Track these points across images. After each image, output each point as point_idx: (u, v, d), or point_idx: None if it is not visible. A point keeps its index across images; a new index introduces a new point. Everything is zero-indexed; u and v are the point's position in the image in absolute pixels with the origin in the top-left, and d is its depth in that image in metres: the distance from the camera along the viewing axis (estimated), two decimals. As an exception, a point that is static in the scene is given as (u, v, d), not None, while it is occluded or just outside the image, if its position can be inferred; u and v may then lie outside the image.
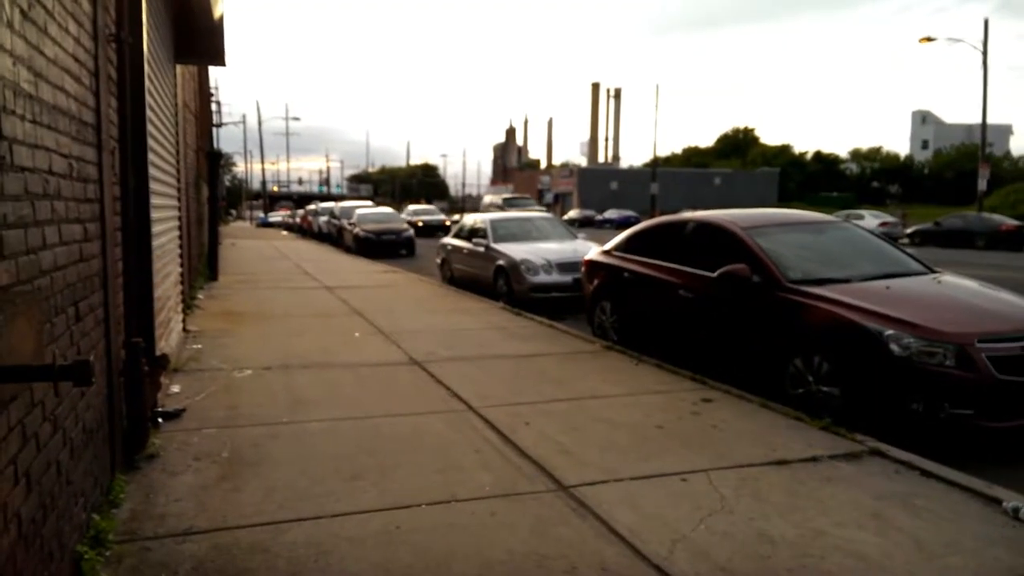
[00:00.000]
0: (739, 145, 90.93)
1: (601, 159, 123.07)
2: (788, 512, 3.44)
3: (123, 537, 3.13)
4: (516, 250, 11.63)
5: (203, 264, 14.13)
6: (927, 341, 4.68)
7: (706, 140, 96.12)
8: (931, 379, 4.63)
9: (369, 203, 34.79)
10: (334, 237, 28.57)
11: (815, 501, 3.57)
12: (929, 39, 31.62)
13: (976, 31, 31.03)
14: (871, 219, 31.94)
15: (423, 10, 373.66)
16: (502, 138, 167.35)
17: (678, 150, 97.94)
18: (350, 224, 24.81)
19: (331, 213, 30.82)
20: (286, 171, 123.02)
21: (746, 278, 5.84)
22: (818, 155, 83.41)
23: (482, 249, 12.37)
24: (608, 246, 8.39)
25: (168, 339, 6.31)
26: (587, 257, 8.74)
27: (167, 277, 6.61)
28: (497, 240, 12.34)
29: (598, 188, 70.94)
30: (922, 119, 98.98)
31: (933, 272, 6.09)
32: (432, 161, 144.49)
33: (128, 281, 4.26)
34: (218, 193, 18.15)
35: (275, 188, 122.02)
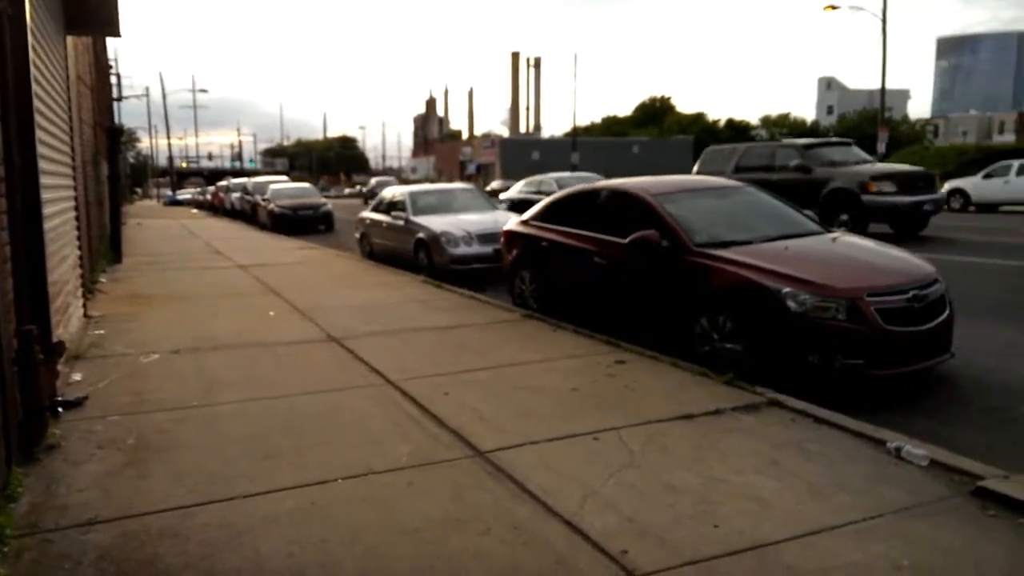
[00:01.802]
0: (656, 114, 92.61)
1: (523, 129, 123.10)
2: (692, 463, 3.62)
3: (22, 531, 3.01)
4: (436, 222, 11.56)
5: (106, 246, 13.43)
6: (821, 297, 4.96)
7: (624, 109, 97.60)
8: (825, 332, 4.92)
9: (284, 178, 33.77)
10: (248, 214, 27.64)
11: (717, 451, 3.77)
12: (832, 7, 32.85)
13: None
14: (779, 183, 33.25)
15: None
16: (422, 109, 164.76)
17: (598, 119, 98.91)
18: (264, 200, 24.05)
19: (244, 189, 29.76)
20: (195, 146, 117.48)
21: (656, 243, 6.01)
22: (730, 122, 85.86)
23: (401, 222, 12.24)
24: (526, 216, 8.46)
25: (67, 325, 6.02)
26: (506, 227, 8.79)
27: (63, 261, 6.27)
28: (416, 213, 12.23)
29: (520, 158, 70.99)
30: (827, 85, 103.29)
31: (829, 232, 6.43)
32: (350, 134, 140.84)
33: (17, 266, 4.04)
34: (120, 170, 17.24)
35: (183, 164, 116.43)
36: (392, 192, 13.73)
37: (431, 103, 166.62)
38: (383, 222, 13.04)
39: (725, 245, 5.80)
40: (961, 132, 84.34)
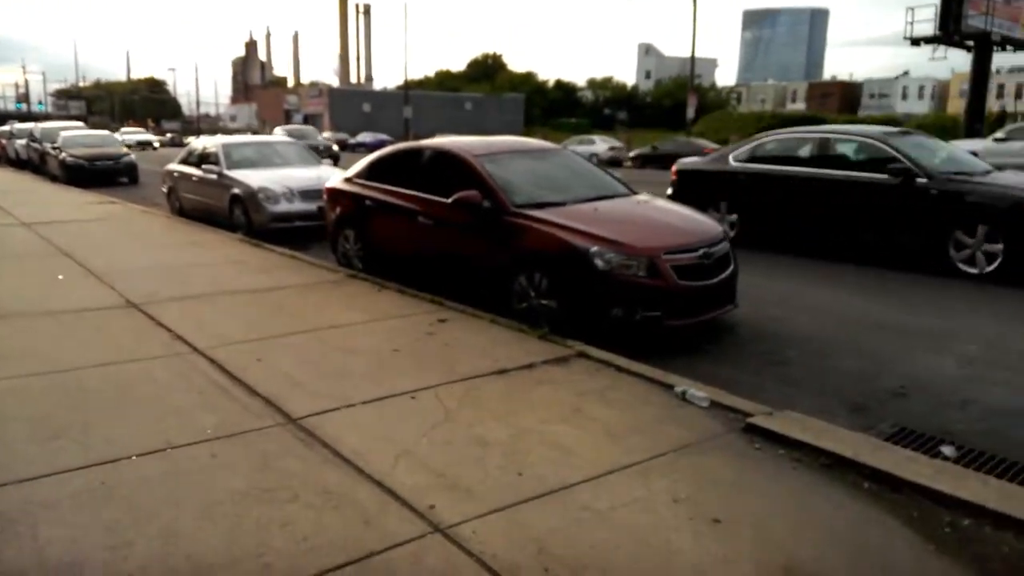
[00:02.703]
0: (488, 71, 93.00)
1: (353, 79, 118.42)
2: (503, 416, 3.80)
3: None
4: (253, 177, 10.92)
5: None
6: (624, 255, 5.33)
7: (458, 64, 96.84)
8: (628, 288, 5.30)
9: (80, 124, 30.13)
10: (36, 164, 24.44)
11: (527, 403, 3.98)
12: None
13: (686, -28, 34.41)
14: (601, 143, 34.94)
15: None
16: (241, 52, 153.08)
17: (431, 73, 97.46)
18: (54, 149, 21.36)
19: (30, 135, 26.20)
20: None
21: (478, 204, 6.11)
22: (559, 83, 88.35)
23: (214, 176, 11.43)
24: (349, 173, 8.23)
25: None
26: (328, 185, 8.50)
27: None
28: (231, 166, 11.47)
29: (350, 110, 68.62)
30: (646, 51, 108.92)
31: (635, 194, 6.87)
32: (159, 76, 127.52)
33: None
34: None
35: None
36: (203, 143, 12.75)
37: (251, 46, 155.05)
38: (194, 176, 12.10)
39: (541, 206, 6.02)
40: (760, 100, 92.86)
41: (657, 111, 77.14)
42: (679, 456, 3.39)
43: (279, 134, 32.84)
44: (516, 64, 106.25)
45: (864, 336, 5.79)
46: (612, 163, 32.80)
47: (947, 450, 3.71)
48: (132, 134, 54.20)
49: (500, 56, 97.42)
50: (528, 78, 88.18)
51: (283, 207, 10.44)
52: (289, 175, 11.10)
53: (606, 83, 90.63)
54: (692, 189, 10.75)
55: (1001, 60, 37.93)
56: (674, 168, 11.53)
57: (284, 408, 3.83)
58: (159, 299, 6.21)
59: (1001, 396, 4.51)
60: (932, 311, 6.58)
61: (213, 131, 76.03)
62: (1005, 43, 29.83)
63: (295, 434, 3.53)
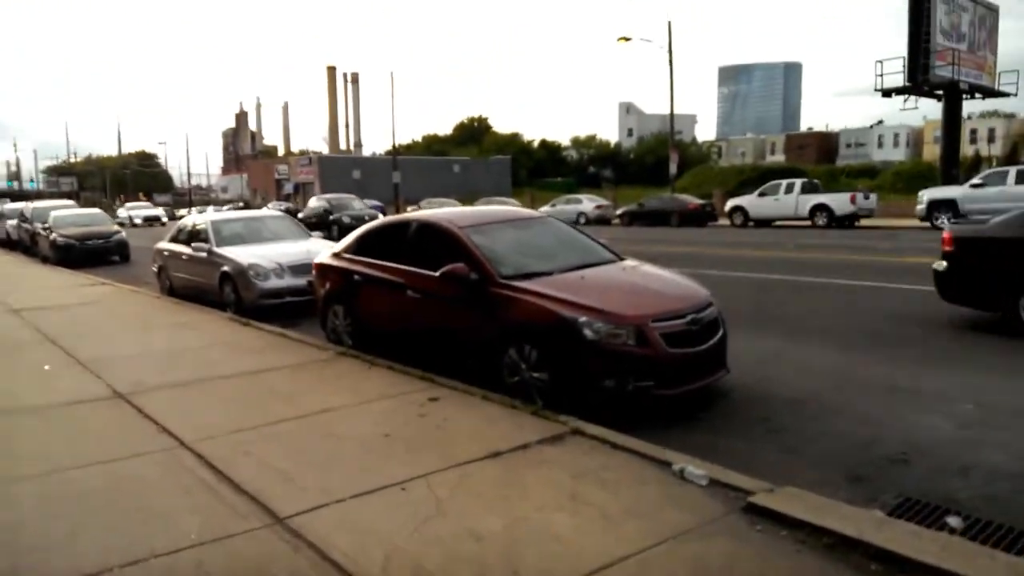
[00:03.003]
0: (475, 133, 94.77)
1: (343, 146, 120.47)
2: (497, 504, 3.71)
3: None
4: (243, 254, 10.94)
5: None
6: (612, 325, 5.31)
7: (445, 128, 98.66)
8: (618, 358, 5.26)
9: (70, 203, 30.35)
10: (27, 244, 24.51)
11: (521, 489, 3.89)
12: (625, 39, 35.58)
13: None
14: (588, 203, 35.39)
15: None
16: (232, 123, 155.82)
17: (419, 137, 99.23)
18: (45, 229, 21.44)
19: (21, 215, 26.35)
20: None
21: (465, 276, 6.11)
22: (543, 143, 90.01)
23: (204, 254, 11.45)
24: (337, 248, 8.26)
25: None
26: (316, 260, 8.52)
27: None
28: (221, 243, 11.50)
29: (340, 177, 69.33)
30: (627, 109, 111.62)
31: (621, 260, 6.89)
32: (150, 149, 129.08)
33: None
34: None
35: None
36: (192, 220, 12.82)
37: (242, 116, 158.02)
38: (183, 254, 12.12)
39: (529, 276, 6.02)
40: (740, 153, 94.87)
41: (641, 167, 78.46)
42: (678, 544, 3.30)
43: (270, 208, 33.02)
44: (501, 126, 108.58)
45: (855, 396, 5.74)
46: (600, 221, 33.20)
47: (953, 521, 3.63)
48: (139, 210, 52.01)
49: (486, 119, 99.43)
50: (513, 139, 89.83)
51: (272, 283, 10.43)
52: (278, 250, 11.14)
53: (590, 141, 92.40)
54: (984, 267, 7.78)
55: (972, 106, 39.04)
56: (947, 234, 8.15)
57: (271, 506, 3.73)
58: (146, 388, 6.12)
59: (1002, 459, 4.45)
60: (917, 366, 6.55)
61: (204, 203, 76.53)
62: (973, 91, 30.79)
63: (282, 536, 3.42)
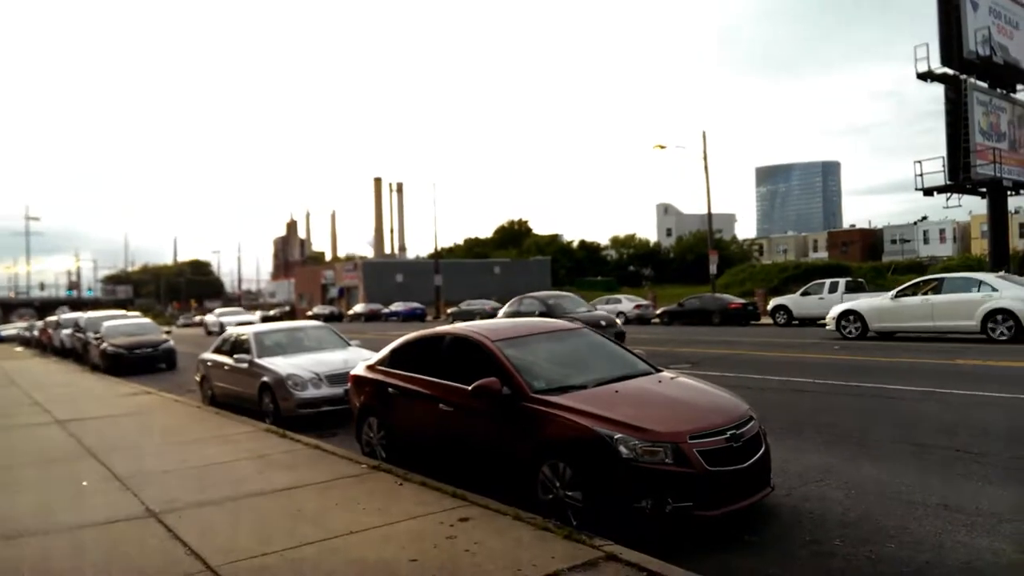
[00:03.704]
0: (515, 235, 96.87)
1: (388, 250, 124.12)
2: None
3: None
4: (282, 364, 11.14)
5: None
6: (649, 442, 5.15)
7: (486, 231, 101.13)
8: (655, 477, 5.07)
9: (122, 312, 31.56)
10: (79, 352, 25.39)
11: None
12: (661, 147, 36.64)
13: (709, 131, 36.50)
14: (627, 302, 35.41)
15: (179, 96, 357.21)
16: (283, 232, 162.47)
17: (460, 241, 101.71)
18: (96, 338, 22.24)
19: (75, 325, 27.46)
20: (25, 275, 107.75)
21: (497, 391, 6.07)
22: (583, 243, 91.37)
23: (245, 365, 11.67)
24: (373, 360, 8.35)
25: None
26: (353, 372, 8.59)
27: None
28: (262, 354, 11.74)
29: (384, 280, 71.12)
30: (664, 210, 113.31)
31: (657, 371, 6.78)
32: (204, 258, 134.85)
33: None
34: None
35: (12, 295, 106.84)
36: (235, 332, 13.16)
37: (292, 225, 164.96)
38: (225, 364, 12.37)
39: (561, 391, 5.95)
40: (782, 250, 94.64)
41: (680, 265, 78.69)
42: None
43: (316, 310, 33.42)
44: (541, 227, 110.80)
45: (906, 516, 5.38)
46: (640, 320, 33.04)
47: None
48: (231, 315, 46.22)
49: (526, 221, 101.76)
50: (553, 240, 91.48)
51: (310, 393, 10.53)
52: (317, 359, 11.32)
53: (629, 240, 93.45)
54: None
55: (1018, 200, 38.48)
56: None
57: (291, 642, 3.59)
58: (179, 506, 6.10)
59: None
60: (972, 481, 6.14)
61: (252, 307, 78.50)
62: (1018, 187, 30.46)
63: (300, 677, 3.28)
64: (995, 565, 4.47)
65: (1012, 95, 30.75)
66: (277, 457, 7.93)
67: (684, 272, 74.19)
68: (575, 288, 60.50)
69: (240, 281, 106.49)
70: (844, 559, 4.72)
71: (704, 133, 37.43)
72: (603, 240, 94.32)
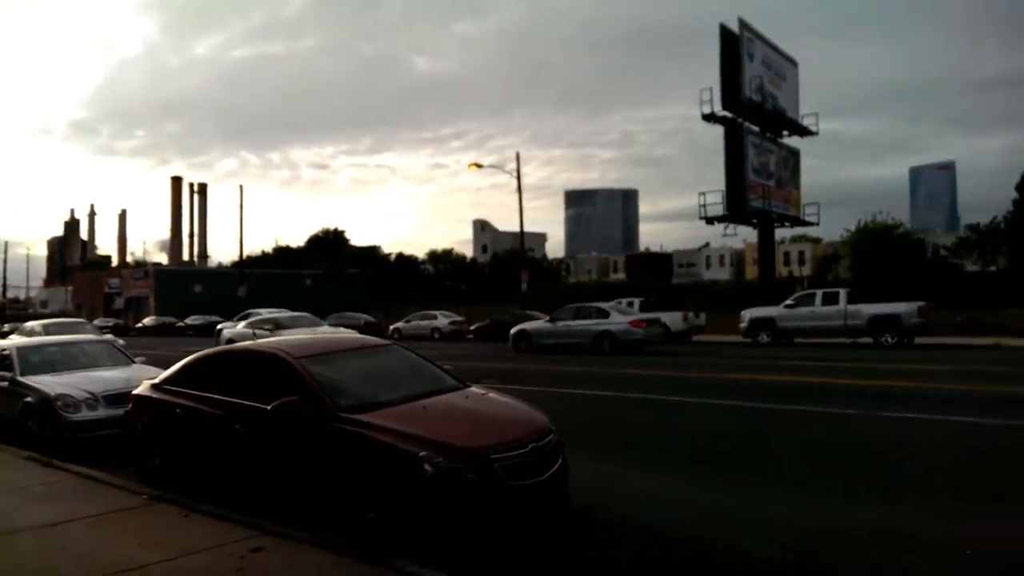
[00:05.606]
0: (330, 246, 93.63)
1: (186, 257, 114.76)
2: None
3: None
4: (51, 383, 9.84)
5: None
6: (452, 458, 5.18)
7: (299, 239, 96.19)
8: (460, 491, 5.11)
9: None
10: None
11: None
12: (478, 166, 37.52)
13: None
14: (443, 318, 35.77)
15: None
16: (60, 231, 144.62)
17: (270, 248, 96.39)
18: None
19: None
20: None
21: (298, 409, 5.80)
22: (400, 256, 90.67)
23: (6, 384, 10.19)
24: (159, 379, 7.63)
25: None
26: (135, 393, 7.80)
27: None
28: (27, 371, 10.32)
29: (179, 291, 65.33)
30: (481, 227, 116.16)
31: (465, 387, 6.86)
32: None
33: None
34: None
35: None
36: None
37: (72, 224, 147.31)
38: (-22, 383, 10.67)
39: (369, 408, 5.80)
40: (588, 270, 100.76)
41: (495, 282, 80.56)
42: None
43: (96, 324, 29.82)
44: (358, 239, 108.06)
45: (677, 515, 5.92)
46: (454, 336, 33.49)
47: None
48: None
49: (342, 231, 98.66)
50: (371, 252, 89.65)
51: (85, 414, 9.36)
52: (94, 378, 10.13)
53: (446, 256, 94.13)
54: None
55: (784, 231, 44.16)
56: None
57: None
58: (-99, 555, 5.13)
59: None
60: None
61: (20, 318, 68.72)
62: (783, 220, 35.05)
63: None
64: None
65: (779, 139, 35.40)
66: (41, 490, 6.97)
67: (497, 289, 76.09)
68: (391, 303, 59.85)
69: (6, 287, 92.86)
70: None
71: (518, 154, 39.06)
72: (420, 254, 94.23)
